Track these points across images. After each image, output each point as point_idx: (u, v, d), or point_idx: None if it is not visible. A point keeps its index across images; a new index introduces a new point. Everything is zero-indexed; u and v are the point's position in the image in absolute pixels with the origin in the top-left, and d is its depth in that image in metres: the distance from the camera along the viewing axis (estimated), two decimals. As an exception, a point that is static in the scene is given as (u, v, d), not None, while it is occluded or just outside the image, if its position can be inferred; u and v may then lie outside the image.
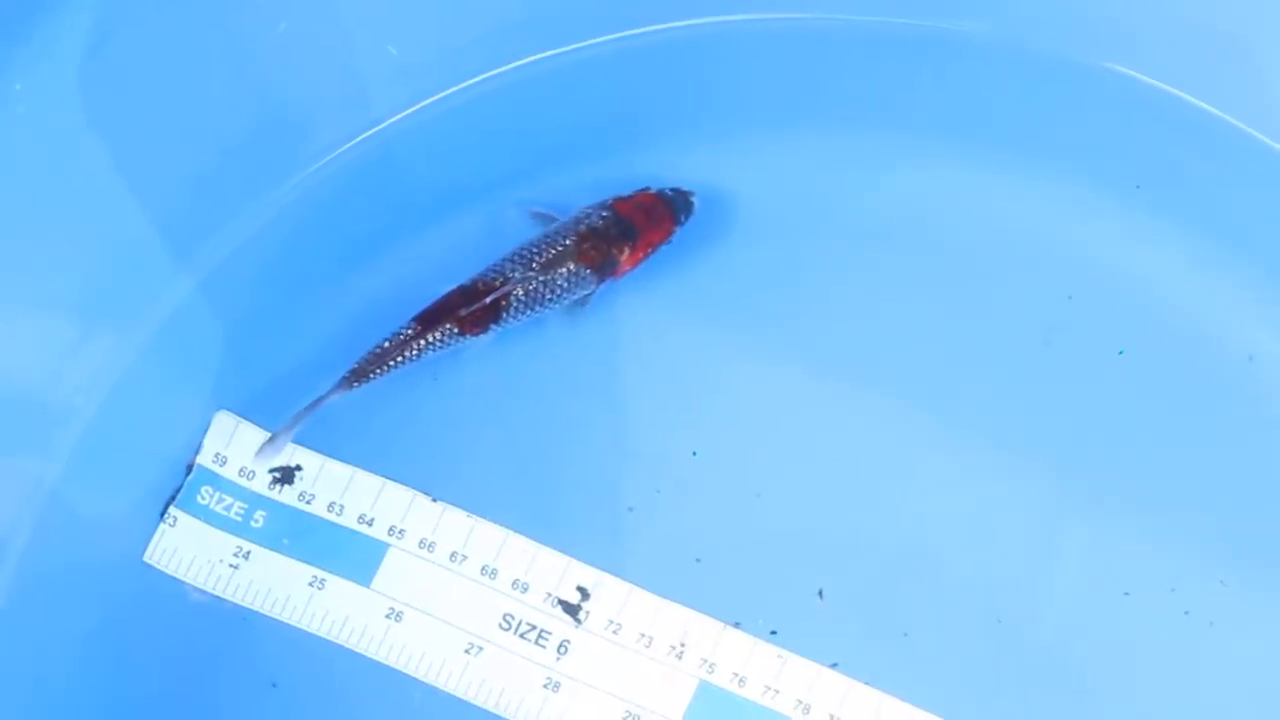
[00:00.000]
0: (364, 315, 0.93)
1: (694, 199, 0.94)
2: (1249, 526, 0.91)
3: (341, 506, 0.91)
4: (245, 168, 0.93)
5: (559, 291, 0.91)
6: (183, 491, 0.91)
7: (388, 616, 0.89)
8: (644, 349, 0.94)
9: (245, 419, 0.92)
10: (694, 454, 0.92)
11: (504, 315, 0.90)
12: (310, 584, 0.90)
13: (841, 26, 0.97)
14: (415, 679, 0.89)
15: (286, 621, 0.90)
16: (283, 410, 0.91)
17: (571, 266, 0.91)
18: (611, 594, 0.90)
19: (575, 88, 0.96)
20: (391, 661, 0.89)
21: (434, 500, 0.91)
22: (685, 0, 0.96)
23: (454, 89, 0.96)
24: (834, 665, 0.89)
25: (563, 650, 0.89)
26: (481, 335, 0.90)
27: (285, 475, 0.91)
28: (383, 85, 0.95)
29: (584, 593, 0.90)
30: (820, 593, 0.90)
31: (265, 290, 0.94)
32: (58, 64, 0.87)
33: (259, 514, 0.91)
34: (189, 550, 0.90)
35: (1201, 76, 0.95)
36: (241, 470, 0.91)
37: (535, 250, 0.91)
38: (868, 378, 0.93)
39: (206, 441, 0.91)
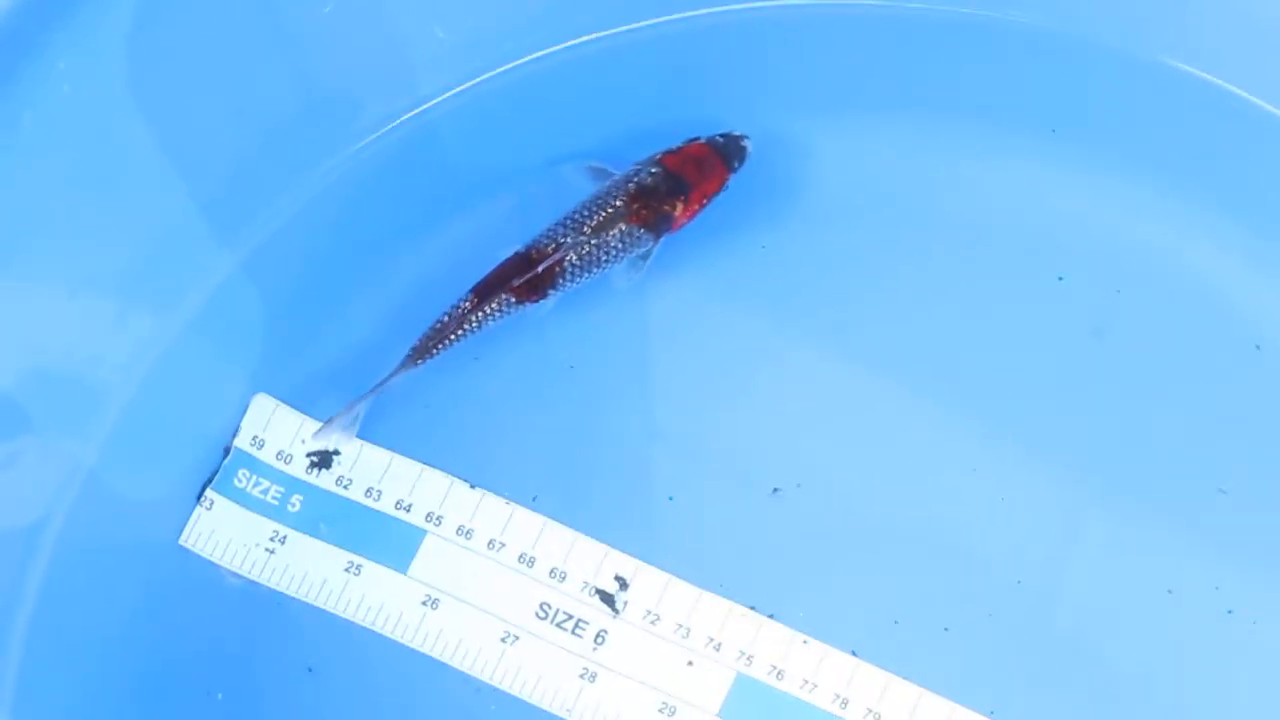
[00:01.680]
0: (406, 298, 0.93)
1: (747, 143, 0.93)
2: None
3: (379, 492, 0.90)
4: (289, 147, 0.93)
5: (614, 253, 0.90)
6: (220, 474, 0.91)
7: (424, 603, 0.89)
8: (685, 336, 0.93)
9: (284, 402, 0.91)
10: (736, 444, 0.91)
11: (560, 281, 0.90)
12: (347, 569, 0.89)
13: (898, 13, 0.96)
14: (451, 666, 0.88)
15: (322, 607, 0.89)
16: (322, 394, 0.91)
17: (624, 227, 0.90)
18: (649, 584, 0.89)
19: (623, 70, 0.96)
20: (427, 649, 0.89)
21: (472, 487, 0.90)
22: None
23: (500, 69, 0.95)
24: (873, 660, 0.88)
25: (600, 640, 0.88)
26: (542, 301, 0.90)
27: (323, 459, 0.90)
28: (428, 66, 0.94)
29: (622, 582, 0.89)
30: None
31: (307, 272, 0.93)
32: (102, 43, 0.86)
33: (296, 498, 0.90)
34: (225, 533, 0.90)
35: (1245, 68, 0.94)
36: (279, 454, 0.91)
37: (587, 213, 0.90)
38: (908, 371, 0.92)
39: (244, 424, 0.91)
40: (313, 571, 0.89)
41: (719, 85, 0.96)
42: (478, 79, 0.95)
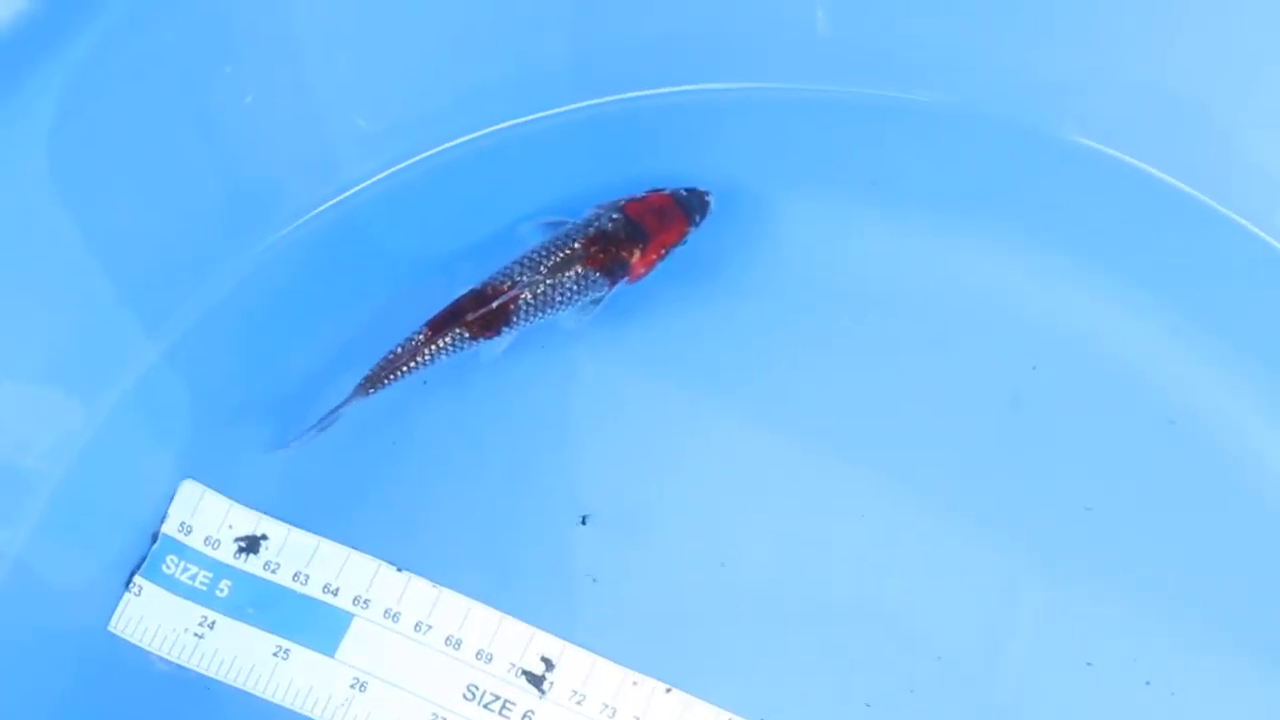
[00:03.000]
0: (333, 382, 0.93)
1: (710, 198, 0.94)
2: (1209, 595, 0.91)
3: (307, 576, 0.91)
4: (213, 234, 0.94)
5: (569, 294, 0.91)
6: (148, 560, 0.91)
7: (352, 686, 0.90)
8: (607, 414, 0.94)
9: (210, 488, 0.92)
10: (658, 523, 0.92)
11: (514, 318, 0.91)
12: (275, 654, 0.90)
13: (811, 97, 0.98)
14: (380, 749, 0.89)
15: (251, 691, 0.90)
16: (249, 479, 0.92)
17: (580, 270, 0.91)
18: (575, 664, 0.90)
19: (543, 154, 0.97)
20: (356, 732, 0.89)
21: (399, 570, 0.91)
22: (653, 69, 0.96)
23: (421, 155, 0.96)
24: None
25: (527, 721, 0.89)
26: (495, 339, 0.91)
27: (250, 544, 0.91)
28: (350, 153, 0.95)
29: (548, 663, 0.90)
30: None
31: (232, 357, 0.94)
32: (27, 131, 0.86)
33: (224, 583, 0.91)
34: (154, 619, 0.90)
35: (1159, 147, 0.95)
36: (207, 539, 0.91)
37: (544, 254, 0.91)
38: (834, 443, 0.93)
39: (172, 510, 0.92)
40: (241, 656, 0.90)
41: (637, 168, 0.96)
42: (400, 165, 0.96)
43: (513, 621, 0.90)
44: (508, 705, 0.89)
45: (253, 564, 0.91)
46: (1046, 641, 0.91)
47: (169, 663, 0.90)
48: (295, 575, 0.91)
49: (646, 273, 0.93)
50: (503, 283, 0.91)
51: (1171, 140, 0.95)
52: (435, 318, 0.90)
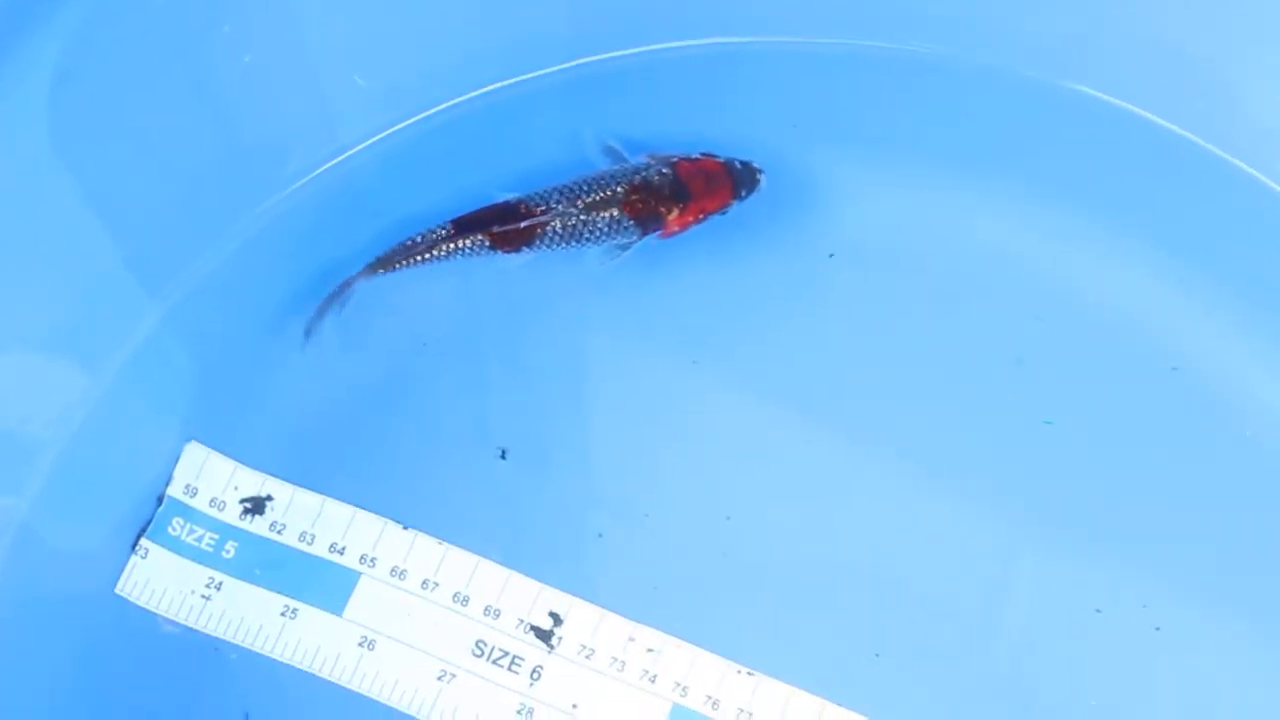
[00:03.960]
0: (334, 343, 0.93)
1: (762, 177, 0.94)
2: (1216, 541, 0.91)
3: (313, 536, 0.91)
4: (212, 198, 0.94)
5: (597, 234, 0.92)
6: (154, 523, 0.91)
7: (360, 645, 0.89)
8: (613, 374, 0.94)
9: (215, 450, 0.92)
10: (664, 478, 0.92)
11: (538, 242, 0.91)
12: (282, 614, 0.90)
13: (814, 51, 0.98)
14: (389, 706, 0.89)
15: (259, 651, 0.90)
16: (254, 440, 0.92)
17: (615, 213, 0.91)
18: (583, 619, 0.90)
19: (541, 113, 0.97)
20: (364, 690, 0.89)
21: (405, 528, 0.91)
22: (651, 25, 0.96)
23: (421, 115, 0.96)
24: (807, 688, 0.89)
25: (535, 676, 0.89)
26: (513, 255, 0.91)
27: (256, 505, 0.91)
28: (349, 114, 0.96)
29: (556, 618, 0.90)
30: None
31: (234, 320, 0.94)
32: (25, 97, 0.87)
33: (230, 544, 0.91)
34: (161, 582, 0.90)
35: (1162, 96, 0.96)
36: (213, 501, 0.91)
37: (585, 188, 0.91)
38: (836, 401, 0.93)
39: (177, 473, 0.92)
40: (249, 617, 0.90)
41: (637, 125, 0.96)
42: (399, 125, 0.96)
43: (520, 577, 0.90)
44: (516, 661, 0.89)
45: (258, 525, 0.91)
46: (1056, 590, 0.91)
47: (176, 624, 0.90)
48: (301, 535, 0.91)
49: (680, 231, 0.93)
50: (537, 205, 0.91)
51: (1174, 89, 0.95)
52: (462, 217, 0.91)
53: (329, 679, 0.89)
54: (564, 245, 0.91)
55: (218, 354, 0.94)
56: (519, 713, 0.89)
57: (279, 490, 0.91)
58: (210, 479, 0.92)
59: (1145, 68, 0.95)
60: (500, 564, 0.91)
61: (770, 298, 0.95)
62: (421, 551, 0.90)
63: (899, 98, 0.97)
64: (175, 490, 0.91)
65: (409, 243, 0.91)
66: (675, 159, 0.93)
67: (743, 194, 0.94)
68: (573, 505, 0.92)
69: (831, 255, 0.95)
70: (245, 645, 0.90)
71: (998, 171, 0.96)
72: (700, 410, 0.93)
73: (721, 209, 0.93)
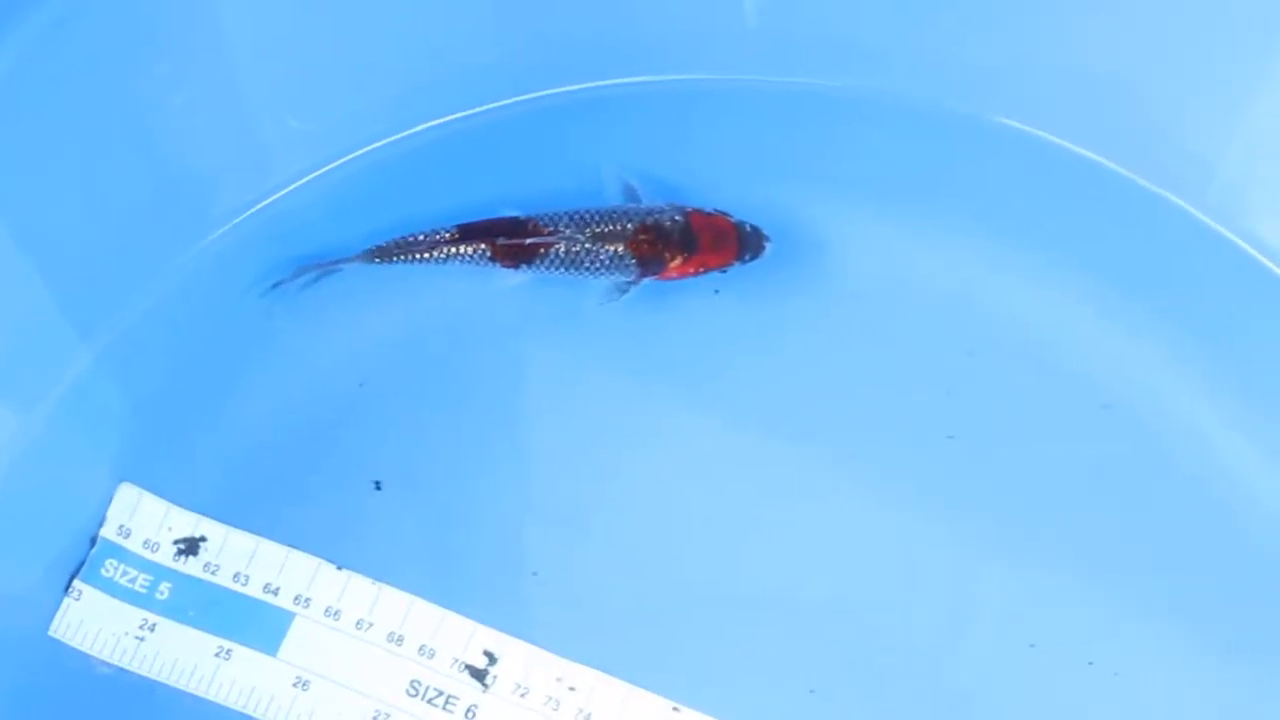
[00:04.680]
0: (270, 380, 0.93)
1: (767, 244, 0.94)
2: (1149, 576, 0.92)
3: (247, 576, 0.91)
4: (145, 237, 0.93)
5: (598, 266, 0.92)
6: (87, 564, 0.91)
7: (295, 685, 0.89)
8: (551, 414, 0.94)
9: (148, 491, 0.91)
10: (599, 515, 0.92)
11: (538, 262, 0.92)
12: (217, 654, 0.90)
13: (740, 87, 0.98)
14: (323, 747, 0.89)
15: (194, 692, 0.89)
16: (188, 481, 0.91)
17: (620, 249, 0.92)
18: (518, 658, 0.90)
19: (476, 151, 0.97)
20: (299, 731, 0.89)
21: (339, 568, 0.91)
22: (582, 65, 0.96)
23: (355, 154, 0.96)
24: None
25: (470, 715, 0.89)
26: (511, 270, 0.92)
27: (190, 546, 0.91)
28: (282, 152, 0.95)
29: (491, 657, 0.90)
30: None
31: (167, 360, 0.94)
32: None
33: (164, 586, 0.91)
34: (95, 623, 0.90)
35: (1087, 127, 0.96)
36: (146, 542, 0.91)
37: (595, 219, 0.92)
38: (776, 433, 0.93)
39: (110, 514, 0.91)
40: (183, 658, 0.90)
41: (571, 163, 0.97)
42: (333, 164, 0.96)
43: (455, 617, 0.90)
44: (451, 700, 0.89)
45: (192, 565, 0.91)
46: (990, 624, 0.91)
47: (111, 666, 0.90)
48: (235, 576, 0.91)
49: (676, 279, 0.94)
50: (545, 225, 0.91)
51: (1098, 120, 0.96)
52: (468, 224, 0.92)
53: (264, 720, 0.89)
54: (563, 270, 0.92)
55: (151, 395, 0.93)
56: (454, 752, 0.89)
57: (213, 531, 0.91)
58: (143, 520, 0.91)
59: (1072, 101, 0.95)
60: (435, 603, 0.90)
61: (707, 331, 0.95)
62: (356, 591, 0.90)
63: (828, 132, 0.97)
64: (108, 531, 0.91)
65: (411, 239, 0.91)
66: (690, 209, 0.94)
67: (746, 257, 0.94)
68: (507, 544, 0.92)
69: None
70: (180, 686, 0.90)
71: (930, 205, 0.97)
72: (637, 446, 0.93)
73: (723, 267, 0.94)
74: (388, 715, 0.89)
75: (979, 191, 0.97)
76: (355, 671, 0.90)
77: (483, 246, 0.92)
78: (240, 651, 0.90)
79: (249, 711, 0.89)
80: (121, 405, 0.93)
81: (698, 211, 0.94)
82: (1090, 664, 0.90)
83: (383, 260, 0.91)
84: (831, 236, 0.97)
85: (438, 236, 0.92)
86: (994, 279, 0.96)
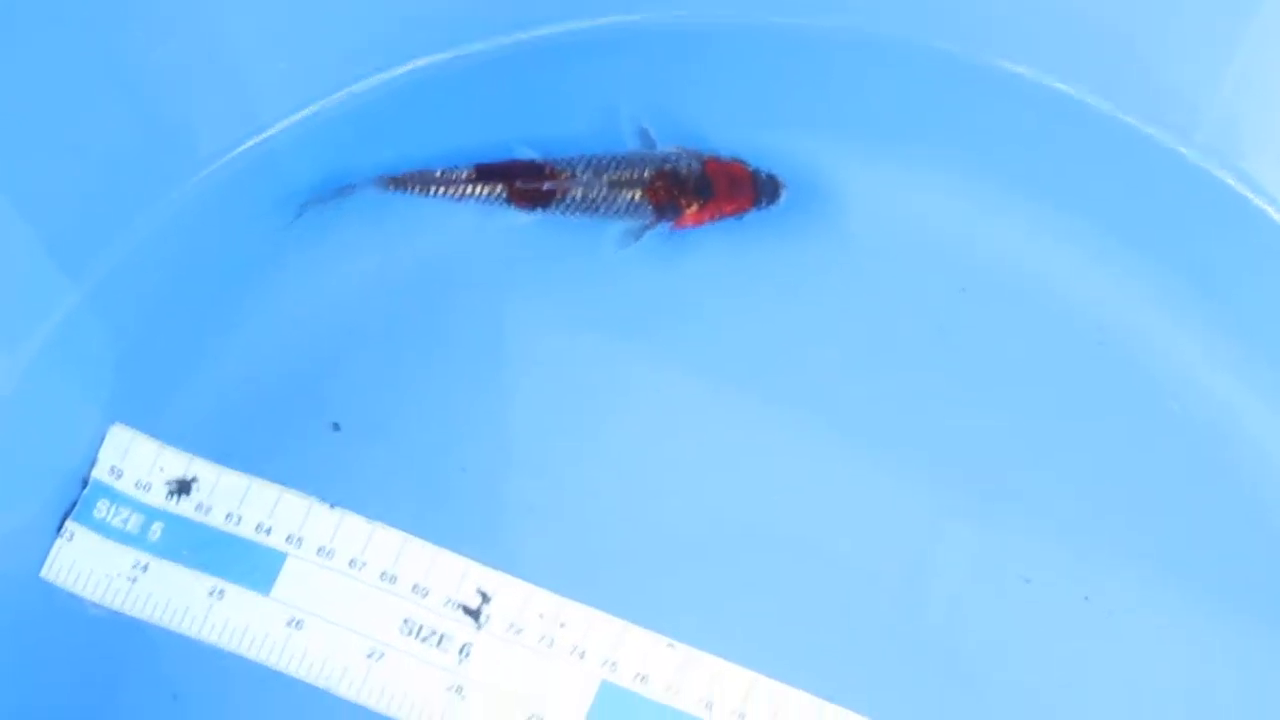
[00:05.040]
0: (258, 321, 0.93)
1: (783, 191, 0.94)
2: (1143, 512, 0.92)
3: (239, 516, 0.90)
4: (131, 179, 0.93)
5: (614, 211, 0.92)
6: (79, 506, 0.91)
7: (288, 625, 0.89)
8: (539, 351, 0.94)
9: (140, 431, 0.91)
10: (592, 453, 0.92)
11: (554, 205, 0.92)
12: (210, 594, 0.89)
13: (738, 25, 0.98)
14: (317, 687, 0.89)
15: (186, 633, 0.89)
16: (179, 421, 0.91)
17: (636, 195, 0.92)
18: (512, 596, 0.90)
19: (462, 91, 0.97)
20: (293, 670, 0.89)
21: (331, 507, 0.90)
22: (570, 3, 0.96)
23: (339, 95, 0.96)
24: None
25: (464, 654, 0.89)
26: (527, 212, 0.92)
27: (182, 487, 0.91)
28: (267, 93, 0.95)
29: (484, 596, 0.90)
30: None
31: (156, 301, 0.94)
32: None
33: (156, 526, 0.90)
34: (87, 564, 0.90)
35: (1082, 70, 0.96)
36: (138, 483, 0.91)
37: (612, 165, 0.92)
38: (759, 374, 0.94)
39: (102, 455, 0.91)
40: (175, 598, 0.89)
41: (556, 105, 0.97)
42: (317, 104, 0.95)
43: (448, 555, 0.90)
44: (445, 639, 0.89)
45: (185, 506, 0.91)
46: (984, 560, 0.91)
47: (103, 607, 0.90)
48: (228, 516, 0.90)
49: (692, 227, 0.94)
50: (563, 170, 0.92)
51: (1088, 61, 0.95)
52: (485, 164, 0.92)
53: (257, 659, 0.89)
54: (578, 214, 0.92)
55: (140, 335, 0.93)
56: (448, 690, 0.89)
57: (205, 471, 0.91)
58: (135, 461, 0.91)
59: (1063, 42, 0.95)
60: (428, 541, 0.90)
61: (692, 273, 0.95)
62: (348, 530, 0.90)
63: (818, 73, 0.97)
64: (100, 473, 0.91)
65: (428, 173, 0.92)
66: (706, 156, 0.94)
67: (762, 203, 0.94)
68: (500, 482, 0.92)
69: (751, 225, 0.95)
70: (172, 627, 0.89)
71: (920, 145, 0.96)
72: (627, 386, 0.93)
73: (738, 213, 0.94)
74: (381, 654, 0.89)
75: (971, 133, 0.97)
76: (348, 611, 0.89)
77: (499, 187, 0.92)
78: (233, 591, 0.90)
79: (242, 651, 0.89)
80: (111, 345, 0.93)
81: (714, 158, 0.94)
82: (1086, 599, 0.90)
83: (397, 188, 0.92)
84: (822, 178, 0.97)
85: (455, 174, 0.92)
86: (985, 219, 0.96)
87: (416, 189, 0.92)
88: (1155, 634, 0.90)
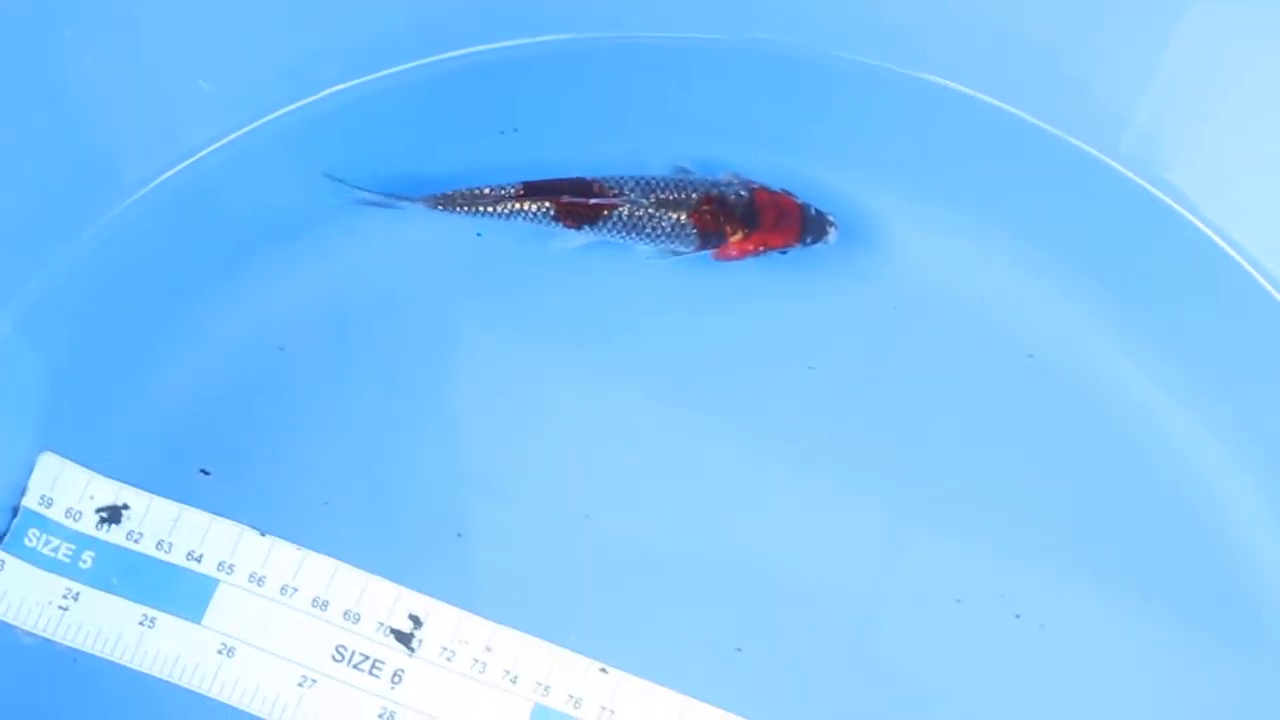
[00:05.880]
0: (190, 346, 0.93)
1: (831, 230, 0.93)
2: (1073, 528, 0.92)
3: (170, 544, 0.90)
4: (59, 205, 0.93)
5: (659, 233, 0.92)
6: (9, 534, 0.90)
7: (219, 652, 0.89)
8: (472, 370, 0.94)
9: (70, 459, 0.91)
10: (523, 476, 0.92)
11: (599, 224, 0.92)
12: (141, 623, 0.89)
13: (666, 44, 0.98)
14: (249, 714, 0.89)
15: (118, 661, 0.89)
16: (109, 449, 0.91)
17: (682, 218, 0.92)
18: (444, 621, 0.90)
19: (387, 113, 0.97)
20: (224, 698, 0.89)
21: (262, 534, 0.90)
22: (489, 25, 0.96)
23: (266, 118, 0.95)
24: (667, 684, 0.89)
25: (397, 679, 0.89)
26: (573, 231, 0.92)
27: (112, 515, 0.91)
28: (195, 117, 0.94)
29: (416, 621, 0.90)
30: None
31: (85, 328, 0.93)
32: None
33: (87, 554, 0.90)
34: (18, 593, 0.90)
35: (1008, 83, 0.96)
36: (68, 511, 0.91)
37: (660, 186, 0.92)
38: (696, 395, 0.94)
39: (32, 483, 0.91)
40: (107, 627, 0.89)
41: (483, 126, 0.96)
42: (245, 128, 0.95)
43: (379, 581, 0.90)
44: (377, 665, 0.89)
45: (115, 534, 0.90)
46: (915, 580, 0.92)
47: (35, 636, 0.89)
48: (158, 544, 0.90)
49: (736, 257, 0.93)
50: (611, 187, 0.91)
51: (1015, 75, 0.96)
52: (533, 181, 0.91)
53: (189, 688, 0.89)
54: (624, 234, 0.92)
55: (69, 363, 0.93)
56: (380, 717, 0.89)
57: (135, 499, 0.91)
58: (65, 489, 0.91)
59: (991, 56, 0.95)
60: (359, 568, 0.90)
61: (630, 291, 0.95)
62: (279, 557, 0.90)
63: (745, 89, 0.97)
64: (30, 501, 0.91)
65: (477, 191, 0.92)
66: (755, 185, 0.93)
67: (808, 240, 0.93)
68: (432, 509, 0.92)
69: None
70: (104, 655, 0.89)
71: (848, 160, 0.96)
72: (559, 406, 0.93)
73: (783, 247, 0.93)
74: (313, 681, 0.89)
75: (898, 146, 0.97)
76: (280, 638, 0.89)
77: (547, 204, 0.92)
78: (164, 619, 0.89)
79: (174, 679, 0.89)
80: (40, 374, 0.93)
81: (763, 188, 0.93)
82: (1017, 617, 0.90)
83: (446, 208, 0.92)
84: (751, 192, 0.96)
85: (503, 191, 0.92)
86: (914, 233, 0.96)
87: (464, 208, 0.92)
88: (1087, 647, 0.91)
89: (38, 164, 0.92)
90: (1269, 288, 0.94)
